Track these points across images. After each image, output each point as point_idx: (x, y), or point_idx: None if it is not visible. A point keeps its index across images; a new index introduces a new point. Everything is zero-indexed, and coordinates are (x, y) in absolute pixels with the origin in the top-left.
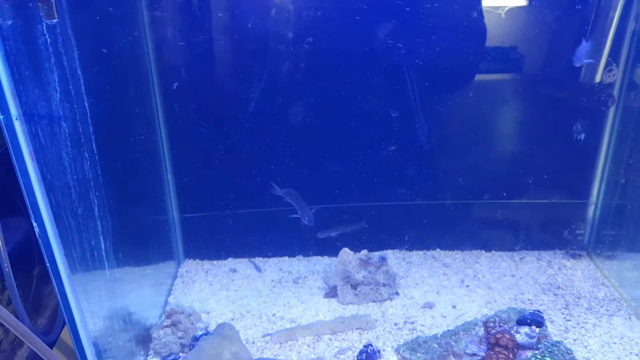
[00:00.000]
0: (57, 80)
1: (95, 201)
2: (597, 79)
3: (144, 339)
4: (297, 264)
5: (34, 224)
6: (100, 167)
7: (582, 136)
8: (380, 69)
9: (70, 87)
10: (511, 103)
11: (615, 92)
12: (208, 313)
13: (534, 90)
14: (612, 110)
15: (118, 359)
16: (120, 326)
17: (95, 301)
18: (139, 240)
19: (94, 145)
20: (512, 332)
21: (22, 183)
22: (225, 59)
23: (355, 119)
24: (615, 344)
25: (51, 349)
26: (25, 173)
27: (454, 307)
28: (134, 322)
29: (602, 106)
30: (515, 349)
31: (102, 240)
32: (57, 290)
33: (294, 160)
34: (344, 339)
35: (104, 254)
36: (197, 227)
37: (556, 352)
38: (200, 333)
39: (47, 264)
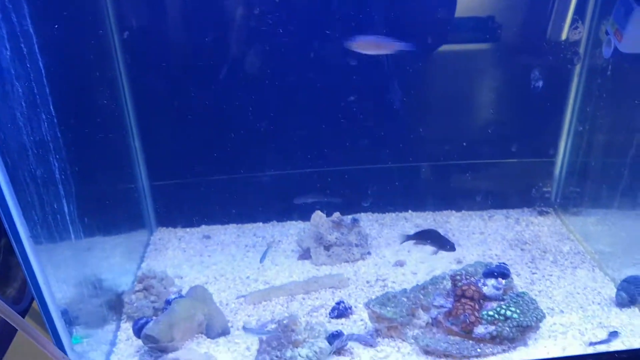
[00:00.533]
0: (5, 37)
1: (56, 164)
2: (563, 36)
3: (116, 305)
4: (271, 229)
5: None
6: (60, 130)
7: (540, 84)
8: (352, 32)
9: (22, 45)
10: (479, 67)
11: (581, 50)
12: (181, 278)
13: (501, 53)
14: (578, 67)
15: (90, 324)
16: (90, 293)
17: (61, 267)
18: (107, 207)
19: (51, 107)
20: (480, 285)
21: None
22: (195, 16)
23: (329, 84)
24: (579, 294)
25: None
26: None
27: (423, 263)
28: (105, 289)
29: (568, 64)
30: (481, 300)
31: (65, 204)
32: (18, 253)
33: (267, 125)
34: (317, 298)
35: (67, 218)
36: (168, 195)
37: (520, 302)
38: (173, 297)
39: (6, 226)
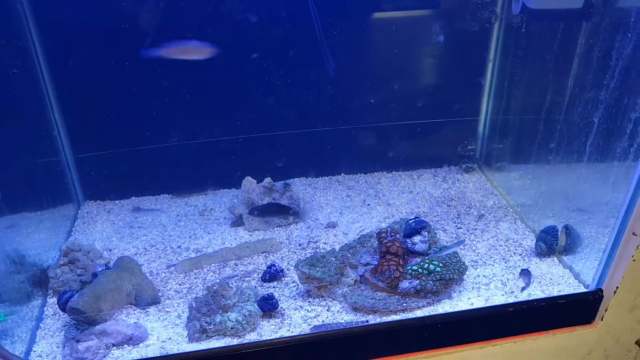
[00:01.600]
0: None
1: None
2: None
3: (41, 280)
4: (203, 198)
5: None
6: None
7: (441, 38)
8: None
9: None
10: (401, 31)
11: (498, 9)
12: (110, 250)
13: (421, 17)
14: (495, 26)
15: (14, 301)
16: (10, 268)
17: None
18: (27, 182)
19: None
20: (408, 244)
21: None
22: None
23: (258, 48)
24: (501, 246)
25: None
26: None
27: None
28: (29, 264)
29: (486, 23)
30: (405, 256)
31: None
32: None
33: (194, 92)
34: (249, 263)
35: None
36: (95, 167)
37: (443, 255)
38: (100, 269)
39: None
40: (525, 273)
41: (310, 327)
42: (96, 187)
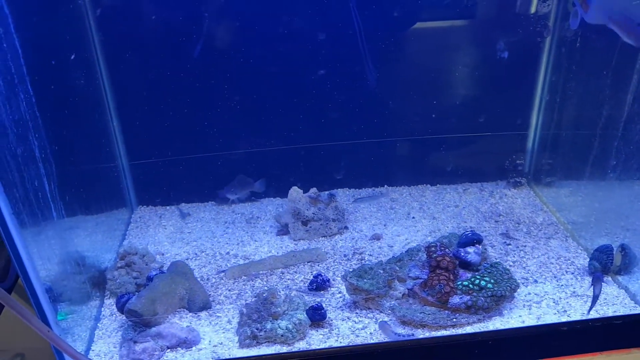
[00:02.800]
0: None
1: (36, 143)
2: (532, 10)
3: (100, 281)
4: (249, 206)
5: None
6: (38, 109)
7: (505, 54)
8: (330, 11)
9: None
10: (451, 42)
11: (551, 23)
12: (163, 255)
13: (472, 28)
14: (547, 40)
15: (74, 301)
16: (73, 269)
17: (45, 246)
18: (87, 186)
19: (29, 86)
20: (461, 254)
21: None
22: None
23: (305, 60)
24: (552, 264)
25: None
26: None
27: (399, 236)
28: (88, 266)
29: (537, 37)
30: (455, 271)
31: (45, 183)
32: (1, 230)
33: (244, 103)
34: (295, 272)
35: (49, 196)
36: (148, 174)
37: (494, 272)
38: (154, 272)
39: None
40: (598, 279)
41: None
42: (148, 193)
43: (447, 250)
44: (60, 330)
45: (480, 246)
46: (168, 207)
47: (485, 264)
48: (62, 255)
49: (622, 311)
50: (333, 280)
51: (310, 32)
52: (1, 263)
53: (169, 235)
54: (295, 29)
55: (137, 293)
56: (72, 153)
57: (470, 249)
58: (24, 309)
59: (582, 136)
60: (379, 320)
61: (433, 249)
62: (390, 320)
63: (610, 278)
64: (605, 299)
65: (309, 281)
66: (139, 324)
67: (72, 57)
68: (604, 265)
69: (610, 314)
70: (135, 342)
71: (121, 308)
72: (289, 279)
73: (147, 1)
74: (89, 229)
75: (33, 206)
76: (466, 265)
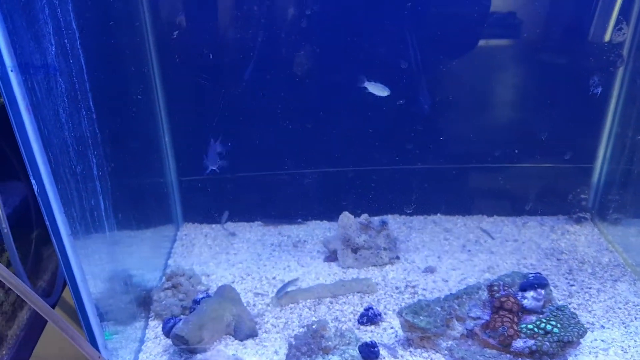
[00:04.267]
0: (51, 32)
1: (94, 160)
2: (607, 38)
3: (145, 301)
4: (296, 229)
5: (32, 181)
6: (98, 126)
7: (599, 89)
8: (383, 32)
9: (66, 40)
10: (515, 67)
11: (625, 52)
12: (208, 276)
13: (539, 54)
14: (621, 70)
15: (119, 321)
16: (121, 288)
17: (95, 263)
18: (137, 202)
19: (91, 102)
20: (518, 297)
21: (19, 139)
22: (226, 12)
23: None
24: (620, 309)
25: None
26: (22, 127)
27: (455, 270)
28: (135, 285)
29: (610, 66)
30: (520, 313)
31: (101, 201)
32: (57, 249)
33: (295, 123)
34: (345, 302)
35: (103, 214)
36: (195, 191)
37: (561, 316)
38: (201, 296)
39: (47, 223)
40: None
41: None
42: (195, 210)
43: (510, 290)
44: (107, 352)
45: (543, 291)
46: (213, 225)
47: (550, 307)
48: (110, 271)
49: None
50: (384, 314)
51: (366, 55)
52: (46, 277)
53: (215, 255)
54: (348, 52)
55: (183, 316)
56: (126, 169)
57: (529, 294)
58: (75, 332)
59: None
60: None
61: (495, 288)
62: None
63: None
64: None
65: (359, 314)
66: (185, 350)
67: (132, 69)
68: None
69: None
70: None
71: (167, 332)
72: (337, 310)
73: (204, 19)
74: (136, 246)
75: (88, 225)
76: (524, 310)
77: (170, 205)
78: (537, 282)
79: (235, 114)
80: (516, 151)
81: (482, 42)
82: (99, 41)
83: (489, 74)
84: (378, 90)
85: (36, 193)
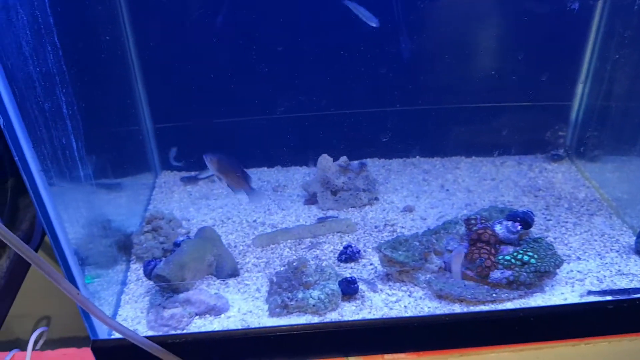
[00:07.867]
0: None
1: (63, 98)
2: None
3: (125, 245)
4: (275, 174)
5: None
6: (65, 63)
7: (576, 6)
8: None
9: None
10: (492, 7)
11: None
12: (189, 220)
13: None
14: (599, 4)
15: (100, 265)
16: (100, 233)
17: (72, 207)
18: (112, 148)
19: (55, 38)
20: (495, 229)
21: None
22: None
23: (337, 29)
24: (596, 241)
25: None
26: None
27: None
28: (114, 230)
29: (588, 0)
30: (497, 245)
31: (73, 140)
32: (29, 187)
33: (269, 66)
34: (325, 242)
35: (76, 154)
36: (172, 138)
37: (537, 247)
38: (181, 238)
39: (16, 158)
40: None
41: None
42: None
43: (487, 223)
44: (88, 294)
45: (520, 226)
46: (192, 173)
47: (527, 239)
48: (88, 217)
49: None
50: (364, 251)
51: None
52: (24, 227)
53: (194, 201)
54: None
55: (164, 258)
56: (98, 112)
57: (504, 223)
58: (53, 270)
59: (634, 108)
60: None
61: (473, 221)
62: (425, 294)
63: None
64: None
65: (338, 252)
66: (167, 289)
67: (99, 8)
68: None
69: None
70: (163, 308)
71: (149, 273)
72: (317, 249)
73: None
74: (114, 192)
75: (61, 164)
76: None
77: (147, 153)
78: (521, 217)
79: (210, 57)
80: (492, 91)
81: None
82: None
83: (464, 14)
84: (365, 17)
85: (2, 127)
